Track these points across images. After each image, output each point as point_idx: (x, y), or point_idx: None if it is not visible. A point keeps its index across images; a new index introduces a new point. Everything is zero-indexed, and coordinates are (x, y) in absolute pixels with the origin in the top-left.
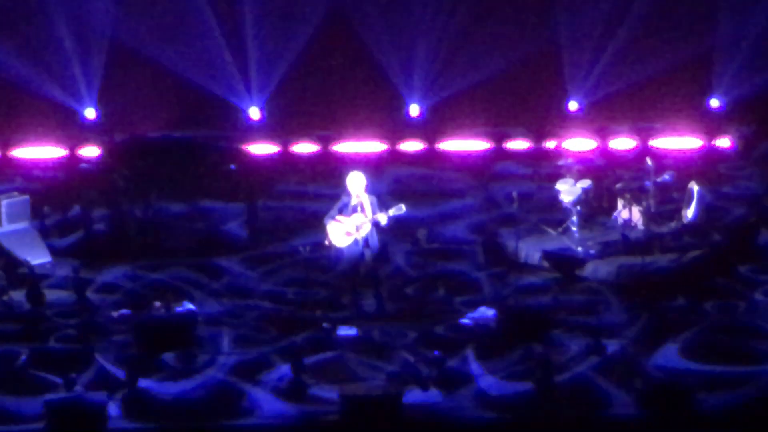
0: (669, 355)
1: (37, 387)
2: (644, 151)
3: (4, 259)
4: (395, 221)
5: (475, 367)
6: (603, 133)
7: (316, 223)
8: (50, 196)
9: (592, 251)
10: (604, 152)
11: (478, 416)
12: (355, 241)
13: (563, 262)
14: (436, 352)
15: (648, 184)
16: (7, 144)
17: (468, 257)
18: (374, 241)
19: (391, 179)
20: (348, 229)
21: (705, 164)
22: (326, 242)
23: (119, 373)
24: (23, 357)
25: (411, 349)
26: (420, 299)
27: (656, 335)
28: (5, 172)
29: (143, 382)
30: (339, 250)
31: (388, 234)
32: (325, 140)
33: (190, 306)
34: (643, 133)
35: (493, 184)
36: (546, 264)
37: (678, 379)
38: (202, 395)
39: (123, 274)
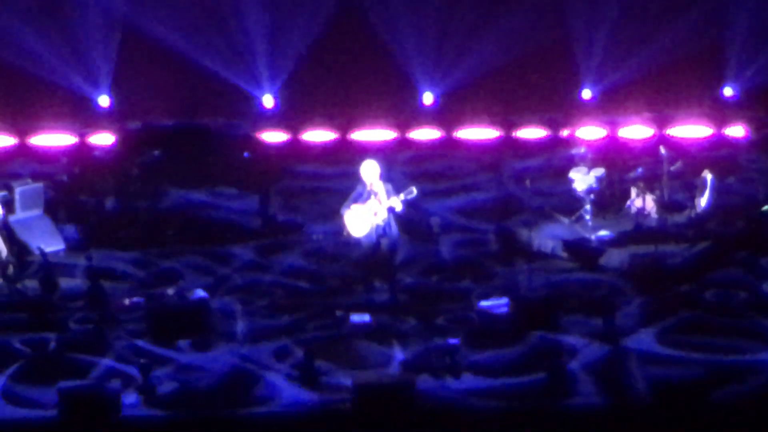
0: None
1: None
2: (658, 139)
3: (17, 247)
4: (410, 209)
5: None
6: (616, 122)
7: (329, 211)
8: (64, 184)
9: (608, 235)
10: (618, 141)
11: (490, 405)
12: (372, 230)
13: (583, 252)
14: (451, 340)
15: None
16: (22, 131)
17: (481, 245)
18: (392, 229)
19: (403, 167)
20: (364, 217)
21: (718, 153)
22: (344, 233)
23: (134, 361)
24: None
25: (424, 338)
26: (434, 287)
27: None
28: (20, 160)
29: (157, 370)
30: (356, 239)
31: (402, 222)
32: (339, 128)
33: (203, 293)
34: (657, 121)
35: (506, 173)
36: (565, 254)
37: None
38: (215, 382)
39: (135, 262)
